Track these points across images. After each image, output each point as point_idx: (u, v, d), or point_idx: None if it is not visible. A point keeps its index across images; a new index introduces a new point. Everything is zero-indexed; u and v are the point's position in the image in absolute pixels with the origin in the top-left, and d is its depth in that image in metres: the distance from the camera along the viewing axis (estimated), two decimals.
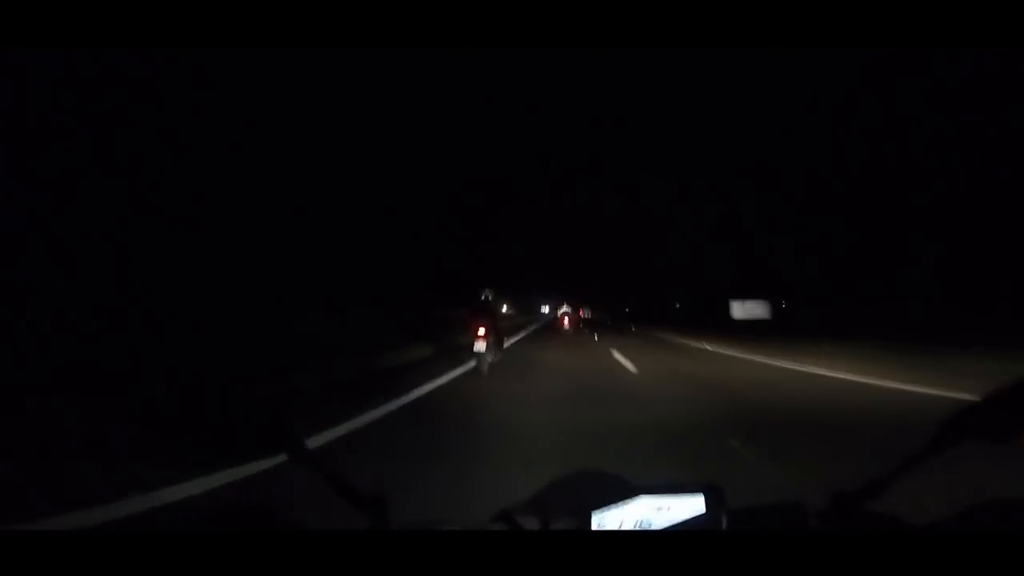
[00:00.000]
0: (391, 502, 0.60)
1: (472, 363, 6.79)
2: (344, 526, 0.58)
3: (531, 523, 0.64)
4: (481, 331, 6.58)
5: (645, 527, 0.60)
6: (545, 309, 58.62)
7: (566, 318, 23.33)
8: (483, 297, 7.32)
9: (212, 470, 2.38)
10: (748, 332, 18.05)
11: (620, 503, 0.61)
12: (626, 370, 7.75)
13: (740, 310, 28.67)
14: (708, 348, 12.66)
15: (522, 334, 17.66)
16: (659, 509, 0.61)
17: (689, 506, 0.61)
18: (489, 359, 6.74)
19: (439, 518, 0.63)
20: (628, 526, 0.60)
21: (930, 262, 17.79)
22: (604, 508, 0.61)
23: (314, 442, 3.20)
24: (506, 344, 8.56)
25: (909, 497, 0.64)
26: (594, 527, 0.60)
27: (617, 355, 9.73)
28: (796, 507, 0.61)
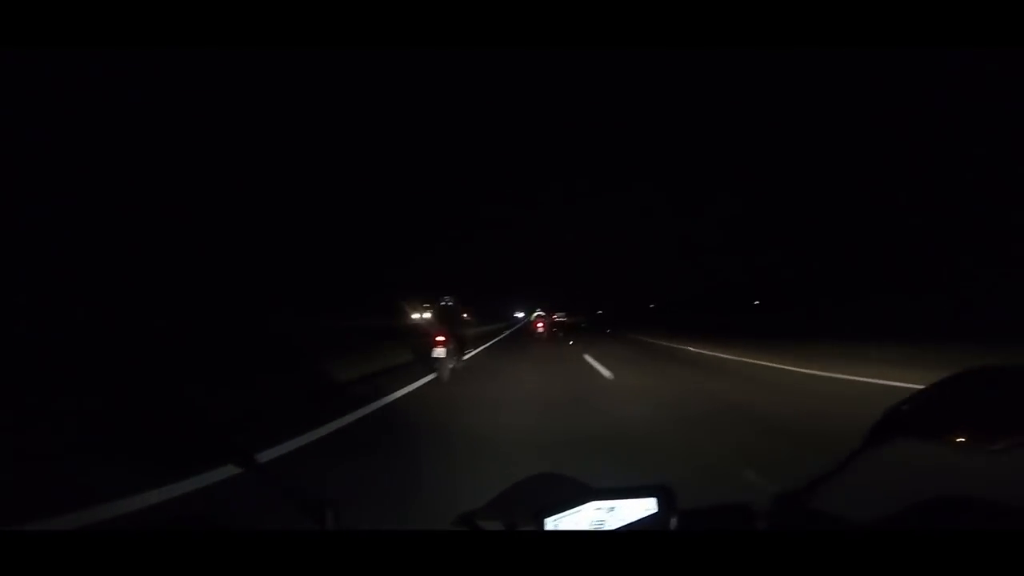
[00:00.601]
0: (340, 507, 0.63)
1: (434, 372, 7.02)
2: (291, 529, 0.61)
3: (490, 526, 0.69)
4: (439, 338, 6.87)
5: (598, 529, 0.65)
6: (519, 314, 59.47)
7: (540, 322, 25.14)
8: (443, 303, 7.55)
9: (162, 482, 2.47)
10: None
11: (575, 506, 0.65)
12: None
13: None
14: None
15: (481, 348, 14.49)
16: (612, 510, 0.66)
17: (642, 508, 0.66)
18: (450, 365, 7.03)
19: (393, 521, 0.66)
20: (583, 528, 0.65)
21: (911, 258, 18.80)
22: (560, 511, 0.65)
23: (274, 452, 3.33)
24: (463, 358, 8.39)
25: (849, 495, 0.71)
26: (549, 529, 0.64)
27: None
28: (742, 508, 0.68)
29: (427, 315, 7.78)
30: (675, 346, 14.26)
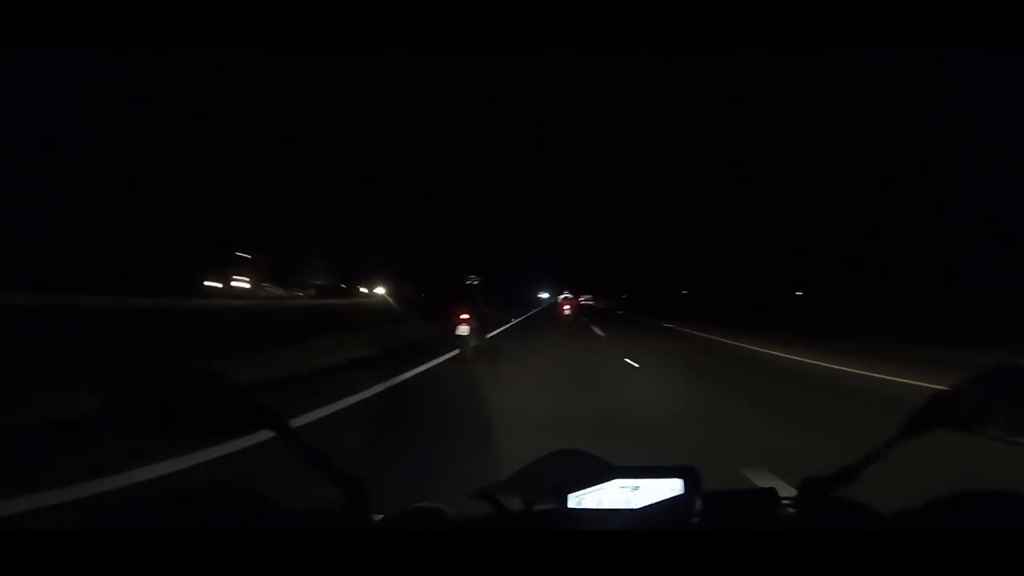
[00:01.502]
0: (371, 482, 0.66)
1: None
2: (323, 505, 0.65)
3: (511, 502, 0.71)
4: (464, 316, 7.16)
5: (622, 508, 0.68)
6: (545, 295, 59.72)
7: (567, 304, 27.44)
8: (468, 283, 7.78)
9: (196, 446, 2.64)
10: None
11: (598, 483, 0.68)
12: None
13: None
14: None
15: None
16: (636, 490, 0.68)
17: (666, 488, 0.69)
18: (472, 343, 7.32)
19: (418, 497, 0.70)
20: (605, 506, 0.68)
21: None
22: (582, 488, 0.68)
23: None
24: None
25: (879, 484, 0.72)
26: (571, 506, 0.67)
27: None
28: (768, 493, 0.69)
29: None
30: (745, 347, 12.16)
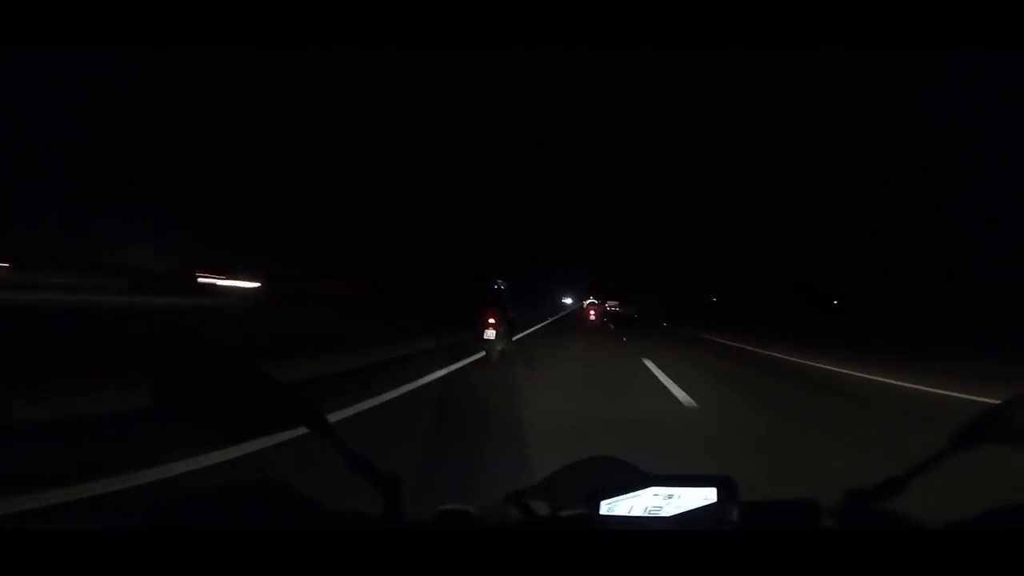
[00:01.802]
0: (405, 482, 0.67)
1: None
2: (357, 506, 0.65)
3: (540, 507, 0.70)
4: (491, 320, 7.18)
5: (655, 515, 0.67)
6: (568, 300, 58.95)
7: (592, 310, 27.64)
8: (495, 287, 7.90)
9: (234, 442, 2.62)
10: None
11: (631, 491, 0.68)
12: None
13: None
14: None
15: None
16: (670, 498, 0.68)
17: (701, 497, 0.68)
18: (499, 347, 7.33)
19: (449, 498, 0.71)
20: (638, 513, 0.67)
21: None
22: (615, 495, 0.67)
23: None
24: None
25: (924, 498, 0.69)
26: (603, 513, 0.66)
27: None
28: (809, 503, 0.67)
29: None
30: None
